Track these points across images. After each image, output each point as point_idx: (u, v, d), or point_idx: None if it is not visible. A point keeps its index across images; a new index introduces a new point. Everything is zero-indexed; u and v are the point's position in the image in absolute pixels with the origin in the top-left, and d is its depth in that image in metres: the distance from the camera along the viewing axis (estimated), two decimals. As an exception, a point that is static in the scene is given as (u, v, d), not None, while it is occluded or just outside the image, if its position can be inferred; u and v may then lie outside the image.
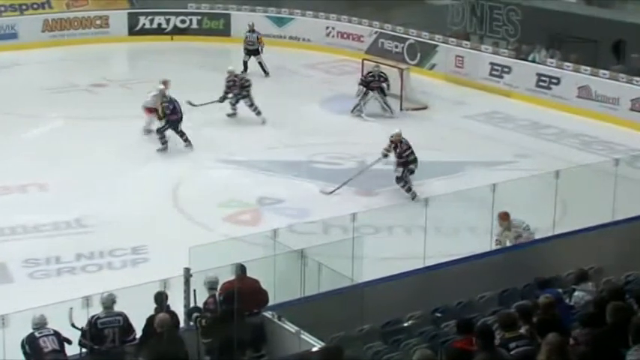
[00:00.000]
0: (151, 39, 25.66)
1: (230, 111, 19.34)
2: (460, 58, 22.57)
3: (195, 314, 9.97)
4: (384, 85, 19.84)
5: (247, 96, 19.16)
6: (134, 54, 25.96)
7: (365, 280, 11.34)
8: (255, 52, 23.04)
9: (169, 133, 17.42)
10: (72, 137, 18.09)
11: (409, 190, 15.38)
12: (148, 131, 18.01)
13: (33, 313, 9.50)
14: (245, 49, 23.19)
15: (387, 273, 11.55)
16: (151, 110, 17.92)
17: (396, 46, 23.83)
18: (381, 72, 20.00)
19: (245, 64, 22.99)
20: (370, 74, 19.99)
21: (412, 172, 15.53)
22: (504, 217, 12.45)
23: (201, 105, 18.72)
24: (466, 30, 23.78)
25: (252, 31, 23.27)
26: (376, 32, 24.41)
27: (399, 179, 15.44)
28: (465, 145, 18.16)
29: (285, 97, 20.04)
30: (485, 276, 11.06)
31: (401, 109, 20.14)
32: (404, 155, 15.48)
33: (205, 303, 9.97)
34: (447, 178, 16.14)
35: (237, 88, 19.22)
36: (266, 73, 22.90)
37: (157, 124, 17.64)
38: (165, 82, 18.09)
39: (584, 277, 9.79)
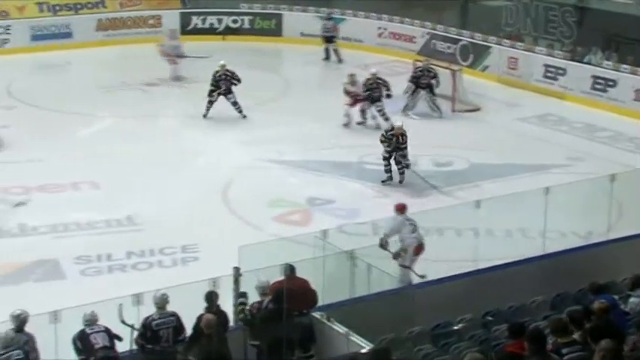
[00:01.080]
0: (203, 38, 25.76)
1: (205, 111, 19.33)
2: (514, 60, 22.34)
3: (240, 302, 9.91)
4: (433, 81, 19.71)
5: (231, 92, 19.21)
6: (186, 53, 26.04)
7: (415, 281, 11.27)
8: (331, 39, 23.63)
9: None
10: (124, 136, 18.22)
11: (387, 172, 15.95)
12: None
13: (84, 310, 9.57)
14: (323, 36, 23.84)
15: (437, 275, 11.48)
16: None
17: (449, 47, 23.67)
18: (430, 66, 19.90)
19: (326, 51, 23.67)
20: (419, 69, 19.91)
21: (399, 163, 15.96)
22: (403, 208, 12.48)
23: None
24: (520, 31, 23.53)
25: (329, 18, 23.97)
26: (428, 33, 24.27)
27: (385, 158, 15.95)
28: (518, 147, 17.96)
29: (334, 97, 19.94)
30: (538, 280, 10.92)
31: (453, 111, 19.99)
32: (402, 146, 15.92)
33: (251, 306, 9.95)
34: (500, 181, 15.96)
35: (225, 83, 19.19)
36: (340, 60, 23.36)
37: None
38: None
39: (639, 283, 9.59)
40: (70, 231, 14.09)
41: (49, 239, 13.83)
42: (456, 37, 23.63)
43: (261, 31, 26.25)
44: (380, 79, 19.10)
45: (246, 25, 26.35)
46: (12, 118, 19.24)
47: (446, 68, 20.62)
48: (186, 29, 26.17)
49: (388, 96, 18.98)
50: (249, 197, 15.47)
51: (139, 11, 26.04)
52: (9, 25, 24.26)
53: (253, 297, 10.02)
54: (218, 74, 19.30)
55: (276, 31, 26.16)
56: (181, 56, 19.60)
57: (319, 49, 24.35)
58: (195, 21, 26.26)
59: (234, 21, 26.35)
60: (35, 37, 24.55)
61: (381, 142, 16.05)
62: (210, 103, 19.25)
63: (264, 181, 16.22)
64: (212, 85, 19.27)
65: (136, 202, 15.06)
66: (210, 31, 26.22)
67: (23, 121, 19.07)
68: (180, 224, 14.23)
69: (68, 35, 24.93)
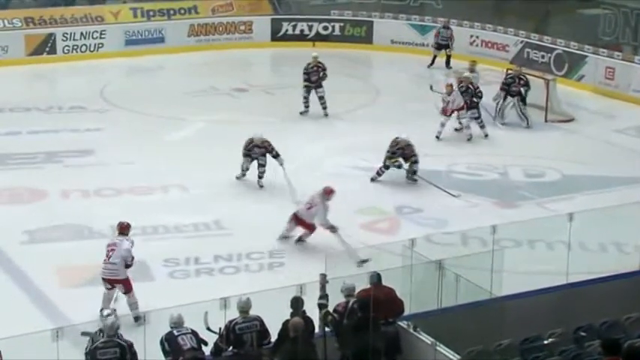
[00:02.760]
0: (293, 45, 25.86)
1: (303, 108, 19.48)
2: (611, 70, 21.80)
3: (324, 309, 9.86)
4: (523, 89, 19.36)
5: (321, 86, 19.35)
6: (276, 59, 26.25)
7: (504, 294, 11.04)
8: (447, 47, 23.77)
9: None
10: (213, 140, 18.36)
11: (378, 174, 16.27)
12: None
13: (171, 312, 9.62)
14: (436, 43, 23.92)
15: (527, 288, 11.24)
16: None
17: (543, 57, 23.24)
18: (522, 74, 19.57)
19: (434, 57, 23.77)
20: (510, 76, 19.61)
21: (414, 172, 16.19)
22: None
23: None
24: (618, 40, 22.95)
25: (446, 27, 24.00)
26: (522, 42, 23.89)
27: (386, 167, 16.25)
28: (614, 159, 17.52)
29: (425, 105, 19.75)
30: (632, 296, 10.59)
31: (546, 121, 19.63)
32: (411, 157, 16.15)
33: (337, 305, 9.88)
34: (594, 194, 15.59)
35: (316, 75, 19.28)
36: (449, 66, 23.47)
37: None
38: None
39: None
40: (158, 233, 14.23)
41: (138, 241, 13.81)
42: (551, 45, 23.18)
43: (352, 38, 26.20)
44: (472, 84, 18.86)
45: (337, 32, 26.33)
46: (105, 121, 19.59)
47: (539, 77, 20.26)
48: (277, 35, 26.30)
49: (474, 102, 18.70)
50: (336, 204, 15.31)
51: (231, 17, 26.25)
52: (104, 30, 24.73)
53: (337, 301, 9.96)
54: (310, 66, 19.42)
55: (366, 39, 26.07)
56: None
57: (410, 58, 24.14)
58: (286, 27, 26.36)
59: (325, 28, 26.36)
60: (129, 42, 24.95)
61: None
62: (306, 98, 19.40)
63: (352, 188, 16.09)
64: (304, 79, 19.37)
65: (224, 206, 15.14)
66: (301, 37, 26.28)
67: (115, 124, 19.39)
68: (268, 229, 14.23)
69: (161, 40, 25.28)
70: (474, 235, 12.73)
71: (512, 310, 10.21)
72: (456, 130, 18.60)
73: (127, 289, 11.64)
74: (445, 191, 15.69)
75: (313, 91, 19.52)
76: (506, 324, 9.93)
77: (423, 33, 25.45)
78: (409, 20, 25.65)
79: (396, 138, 16.33)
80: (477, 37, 24.88)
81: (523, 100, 19.43)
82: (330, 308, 9.94)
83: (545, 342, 9.58)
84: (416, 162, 16.19)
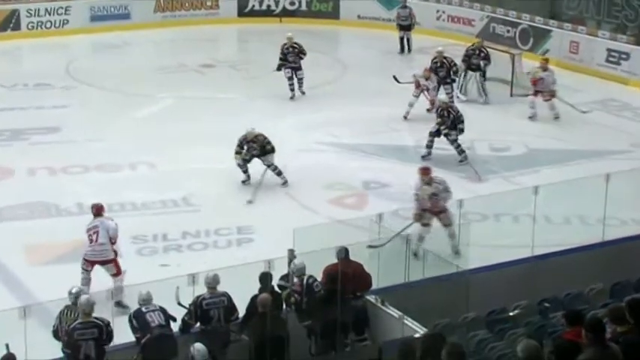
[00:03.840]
0: (260, 21, 25.79)
1: (290, 93, 19.20)
2: (575, 44, 21.96)
3: (284, 290, 9.94)
4: (482, 63, 19.41)
5: (300, 68, 19.11)
6: (243, 35, 26.17)
7: (471, 267, 11.16)
8: (408, 28, 23.15)
9: None
10: (181, 117, 18.31)
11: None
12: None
13: (139, 289, 9.64)
14: (398, 25, 23.28)
15: (493, 261, 11.36)
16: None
17: (508, 31, 23.35)
18: (483, 47, 19.64)
19: (402, 40, 23.16)
20: (471, 48, 19.68)
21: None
22: (425, 172, 12.76)
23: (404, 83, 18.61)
24: (582, 15, 23.09)
25: (404, 6, 23.40)
26: (488, 16, 23.97)
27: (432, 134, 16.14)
28: (578, 133, 17.68)
29: (391, 81, 19.80)
30: (596, 268, 10.75)
31: (511, 95, 19.73)
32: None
33: (292, 285, 9.94)
34: (558, 167, 15.73)
35: (294, 56, 19.11)
36: (409, 50, 23.04)
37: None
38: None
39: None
40: (126, 210, 14.20)
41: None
42: (516, 20, 23.29)
43: (319, 13, 26.15)
44: (446, 58, 18.88)
45: (304, 8, 26.27)
46: (71, 98, 19.47)
47: (505, 52, 20.35)
48: (244, 11, 26.19)
49: (452, 80, 18.70)
50: (304, 180, 15.44)
51: (197, -7, 26.08)
52: (69, 6, 24.49)
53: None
54: (286, 47, 19.30)
55: (333, 14, 26.04)
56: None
57: (376, 33, 24.15)
58: (252, 3, 26.24)
59: (292, 3, 26.27)
60: (94, 18, 24.75)
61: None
62: (291, 82, 19.18)
63: (319, 164, 16.18)
64: (280, 59, 19.28)
65: (192, 182, 15.13)
66: (267, 13, 26.20)
67: (82, 101, 19.28)
68: (236, 206, 14.26)
69: (126, 16, 25.10)
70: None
71: (478, 283, 10.29)
72: (428, 110, 18.50)
73: (118, 271, 11.56)
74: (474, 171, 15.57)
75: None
76: (472, 297, 10.02)
77: (389, 8, 25.41)
78: (375, -5, 25.62)
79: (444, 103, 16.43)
80: (443, 12, 24.93)
81: (483, 74, 19.51)
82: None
83: (511, 314, 9.66)
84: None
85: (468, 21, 24.42)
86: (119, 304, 10.66)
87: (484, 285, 10.30)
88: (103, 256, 11.54)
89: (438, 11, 25.02)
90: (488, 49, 19.73)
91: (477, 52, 19.56)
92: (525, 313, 9.62)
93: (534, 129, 17.91)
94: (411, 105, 18.23)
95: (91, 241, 11.59)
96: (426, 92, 18.25)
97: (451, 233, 12.24)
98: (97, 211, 11.92)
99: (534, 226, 12.48)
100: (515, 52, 20.58)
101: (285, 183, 15.02)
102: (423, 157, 16.04)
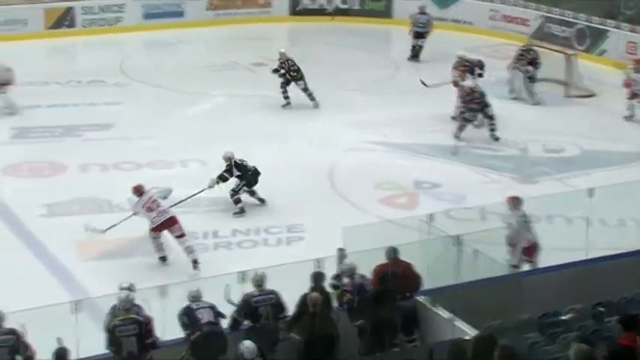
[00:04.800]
0: (312, 19, 25.77)
1: (283, 101, 18.74)
2: (633, 45, 21.58)
3: (337, 289, 9.88)
4: (531, 68, 19.13)
5: (301, 78, 18.54)
6: (295, 34, 26.16)
7: (523, 269, 11.02)
8: (423, 35, 22.45)
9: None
10: (231, 115, 18.35)
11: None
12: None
13: (189, 286, 9.66)
14: (414, 31, 22.58)
15: (546, 263, 11.20)
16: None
17: (564, 31, 23.04)
18: (532, 48, 19.39)
19: (414, 48, 22.53)
20: (522, 48, 19.45)
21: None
22: (514, 201, 11.77)
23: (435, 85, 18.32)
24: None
25: (423, 13, 22.77)
26: (543, 16, 23.68)
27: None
28: (635, 135, 17.36)
29: (443, 80, 19.65)
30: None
31: (566, 96, 19.47)
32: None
33: (344, 286, 9.89)
34: (614, 169, 15.48)
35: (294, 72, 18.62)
36: (417, 58, 22.33)
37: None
38: None
39: None
40: (177, 208, 14.22)
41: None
42: (572, 20, 22.98)
43: (371, 12, 26.06)
44: (533, 49, 18.95)
45: (356, 6, 26.20)
46: (124, 95, 19.61)
47: (560, 52, 20.10)
48: (296, 10, 26.20)
49: (480, 75, 18.44)
50: (355, 179, 15.39)
51: (250, -9, 26.14)
52: (123, 4, 24.70)
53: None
54: (281, 62, 18.70)
55: (385, 13, 25.92)
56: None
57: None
58: (305, 1, 26.24)
59: (344, 2, 26.20)
60: (148, 16, 24.92)
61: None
62: (285, 91, 18.66)
63: (370, 163, 16.12)
64: (282, 74, 18.66)
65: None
66: (320, 11, 26.17)
67: (135, 99, 19.42)
68: (286, 204, 14.25)
69: (180, 14, 25.24)
70: (492, 210, 12.69)
71: (530, 286, 10.18)
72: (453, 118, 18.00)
73: (183, 232, 12.52)
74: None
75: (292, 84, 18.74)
76: (524, 299, 9.91)
77: (442, 7, 25.25)
78: (430, -5, 25.44)
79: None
80: (497, 11, 24.68)
81: (530, 77, 19.22)
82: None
83: (564, 317, 9.52)
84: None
85: (522, 20, 24.14)
86: (195, 262, 12.17)
87: (537, 287, 10.18)
88: (167, 216, 12.52)
89: (491, 10, 24.77)
90: (537, 51, 19.42)
91: (526, 53, 19.31)
92: (579, 316, 9.46)
93: (589, 131, 17.65)
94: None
95: (151, 210, 12.50)
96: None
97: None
98: (139, 190, 12.80)
99: (588, 228, 12.33)
100: (570, 53, 20.32)
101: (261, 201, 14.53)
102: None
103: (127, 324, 9.11)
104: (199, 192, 14.00)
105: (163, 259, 12.63)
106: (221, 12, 25.73)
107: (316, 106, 18.63)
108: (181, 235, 12.55)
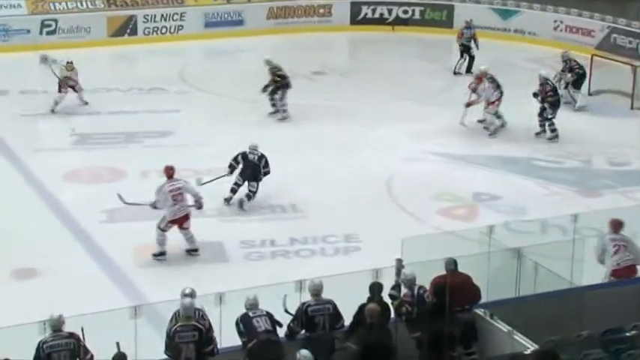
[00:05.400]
0: (373, 29, 25.71)
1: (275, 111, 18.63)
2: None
3: (395, 299, 9.78)
4: (570, 75, 19.11)
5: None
6: (355, 43, 26.12)
7: (585, 284, 10.81)
8: (468, 49, 22.23)
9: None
10: (290, 123, 18.36)
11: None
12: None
13: (247, 294, 9.64)
14: (461, 44, 22.37)
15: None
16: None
17: (630, 42, 22.65)
18: (570, 58, 19.36)
19: (461, 62, 22.31)
20: (562, 59, 19.52)
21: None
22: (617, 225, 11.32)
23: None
24: None
25: (469, 27, 22.56)
26: (609, 27, 23.31)
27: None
28: None
29: (505, 91, 19.45)
30: None
31: (632, 108, 19.15)
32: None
33: (404, 296, 9.79)
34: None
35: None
36: (460, 71, 22.01)
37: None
38: None
39: None
40: (235, 215, 14.29)
41: (215, 222, 14.07)
42: (639, 31, 22.58)
43: (432, 22, 25.91)
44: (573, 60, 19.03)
45: (417, 16, 26.08)
46: (184, 102, 19.75)
47: (626, 64, 19.78)
48: (356, 19, 26.17)
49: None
50: (413, 189, 15.28)
51: (310, 0, 26.18)
52: (184, 12, 24.92)
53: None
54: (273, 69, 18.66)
55: (446, 23, 25.75)
56: None
57: (490, 42, 23.64)
58: (366, 11, 26.19)
59: (405, 11, 26.11)
60: (208, 24, 25.10)
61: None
62: (274, 100, 18.67)
63: (429, 173, 16.00)
64: (277, 81, 18.64)
65: (300, 189, 15.13)
66: (380, 21, 26.09)
67: (195, 106, 19.54)
68: (344, 213, 14.20)
69: (240, 23, 25.39)
70: (553, 223, 12.51)
71: (592, 301, 9.97)
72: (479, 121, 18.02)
73: (189, 224, 12.84)
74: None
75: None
76: (586, 314, 9.71)
77: (505, 18, 25.03)
78: (491, 4, 25.23)
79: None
80: (561, 21, 24.36)
81: (573, 83, 19.13)
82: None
83: (628, 334, 9.32)
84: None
85: (587, 31, 23.78)
86: (195, 251, 12.86)
87: (599, 303, 9.95)
88: (187, 212, 12.87)
89: (555, 21, 24.45)
90: (573, 58, 19.48)
91: (567, 63, 19.27)
92: (643, 334, 9.26)
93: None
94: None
95: (175, 200, 12.71)
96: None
97: None
98: (170, 172, 13.04)
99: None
100: (636, 64, 19.96)
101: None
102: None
103: (187, 330, 9.10)
104: (215, 179, 14.37)
105: (163, 254, 12.86)
106: (281, 21, 25.82)
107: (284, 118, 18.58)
108: (188, 227, 12.89)
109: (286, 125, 18.20)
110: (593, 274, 11.32)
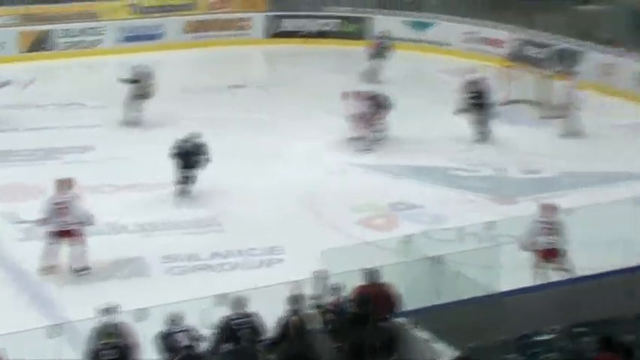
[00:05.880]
0: (290, 42, 25.89)
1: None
2: (607, 66, 21.82)
3: (319, 308, 9.88)
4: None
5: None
6: (272, 56, 26.24)
7: (502, 289, 11.06)
8: (381, 57, 22.65)
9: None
10: (211, 137, 18.27)
11: None
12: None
13: (169, 309, 9.62)
14: (372, 54, 22.84)
15: (525, 284, 11.24)
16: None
17: (539, 53, 23.27)
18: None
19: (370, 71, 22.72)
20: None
21: None
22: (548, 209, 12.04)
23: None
24: (615, 37, 22.93)
25: (381, 37, 23.06)
26: (518, 38, 23.90)
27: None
28: (611, 155, 17.50)
29: (420, 102, 19.82)
30: (631, 292, 10.58)
31: (541, 117, 19.61)
32: None
33: (328, 304, 9.90)
34: (592, 190, 15.56)
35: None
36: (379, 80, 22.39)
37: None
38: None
39: None
40: (157, 230, 14.24)
41: (136, 238, 14.00)
42: (547, 41, 23.21)
43: (348, 34, 26.21)
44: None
45: (333, 29, 26.34)
46: (103, 117, 19.52)
47: (535, 74, 20.25)
48: (273, 33, 26.30)
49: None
50: (333, 200, 15.41)
51: (228, 14, 26.24)
52: (102, 27, 24.73)
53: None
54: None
55: (361, 35, 26.07)
56: None
57: (405, 54, 23.99)
58: (283, 24, 26.37)
59: (321, 24, 26.35)
60: (127, 38, 24.97)
61: None
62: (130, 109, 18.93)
63: (348, 184, 16.15)
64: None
65: (222, 202, 15.15)
66: (297, 34, 26.30)
67: (114, 121, 19.34)
68: (266, 226, 14.25)
69: (159, 37, 25.30)
70: (471, 231, 12.75)
71: (511, 306, 10.20)
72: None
73: (80, 239, 12.55)
74: None
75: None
76: (505, 320, 9.93)
77: (419, 29, 25.46)
78: (405, 17, 25.63)
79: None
80: (474, 33, 24.88)
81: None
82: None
83: (544, 338, 9.58)
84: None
85: (498, 42, 24.34)
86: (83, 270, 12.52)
87: (517, 308, 10.20)
88: (66, 228, 12.51)
89: (467, 32, 24.97)
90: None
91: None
92: (559, 337, 9.53)
93: (566, 151, 17.78)
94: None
95: (60, 214, 12.46)
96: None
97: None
98: (64, 185, 12.89)
99: (569, 249, 12.39)
100: (545, 74, 20.47)
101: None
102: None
103: (107, 348, 9.05)
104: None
105: (86, 269, 12.71)
106: (200, 34, 25.81)
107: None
108: (77, 243, 12.64)
109: (206, 139, 18.14)
110: (511, 279, 11.58)
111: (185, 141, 15.42)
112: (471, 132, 18.16)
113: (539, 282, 11.55)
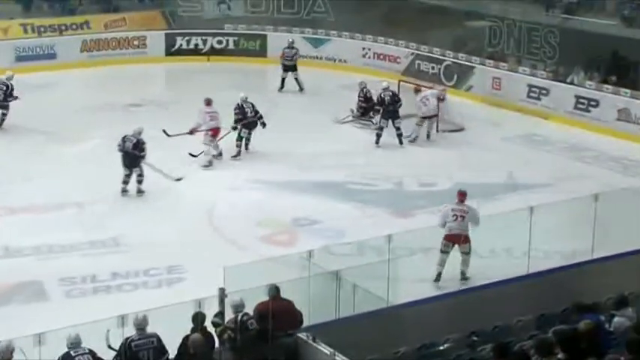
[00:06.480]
0: (188, 59, 25.85)
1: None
2: (497, 80, 22.48)
3: (218, 326, 9.90)
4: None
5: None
6: (171, 74, 26.14)
7: (401, 302, 11.27)
8: (293, 68, 23.28)
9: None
10: (108, 157, 18.12)
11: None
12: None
13: (68, 332, 9.52)
14: (282, 64, 23.39)
15: (423, 295, 11.48)
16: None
17: (433, 68, 23.80)
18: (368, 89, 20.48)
19: (283, 80, 23.32)
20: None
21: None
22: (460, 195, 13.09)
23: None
24: (503, 52, 23.63)
25: (291, 47, 23.48)
26: (412, 54, 24.39)
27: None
28: (502, 167, 18.00)
29: (319, 117, 20.00)
30: (523, 300, 10.94)
31: (437, 131, 20.05)
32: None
33: (228, 321, 9.95)
34: (484, 201, 15.93)
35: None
36: (301, 89, 23.12)
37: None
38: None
39: (624, 303, 9.63)
40: (54, 252, 14.04)
41: (33, 261, 13.77)
42: (440, 57, 23.76)
43: (246, 51, 26.32)
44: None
45: (231, 46, 26.41)
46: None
47: (430, 88, 20.71)
48: (171, 50, 26.22)
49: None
50: (235, 218, 15.46)
51: (124, 32, 26.03)
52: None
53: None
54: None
55: (260, 52, 26.24)
56: None
57: (304, 69, 24.27)
58: (180, 42, 26.30)
59: (219, 42, 26.39)
60: (19, 58, 24.52)
61: None
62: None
63: (250, 201, 16.22)
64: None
65: (120, 223, 15.03)
66: (195, 52, 26.27)
67: (9, 141, 19.02)
68: (166, 245, 14.19)
69: (52, 56, 24.92)
70: (370, 245, 12.95)
71: (408, 318, 10.41)
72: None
73: None
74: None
75: None
76: (404, 331, 10.12)
77: (316, 46, 25.76)
78: (302, 33, 25.90)
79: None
80: (369, 49, 25.29)
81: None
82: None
83: (441, 348, 9.78)
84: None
85: (393, 58, 24.80)
86: None
87: (415, 319, 10.41)
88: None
89: (364, 48, 25.37)
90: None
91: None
92: (455, 346, 9.75)
93: (460, 164, 18.22)
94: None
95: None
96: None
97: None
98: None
99: (461, 259, 12.73)
100: (439, 89, 20.95)
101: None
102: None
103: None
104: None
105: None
106: (95, 53, 25.53)
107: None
108: None
109: (104, 157, 17.98)
110: (408, 292, 11.82)
111: (125, 140, 16.09)
112: (376, 139, 18.66)
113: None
